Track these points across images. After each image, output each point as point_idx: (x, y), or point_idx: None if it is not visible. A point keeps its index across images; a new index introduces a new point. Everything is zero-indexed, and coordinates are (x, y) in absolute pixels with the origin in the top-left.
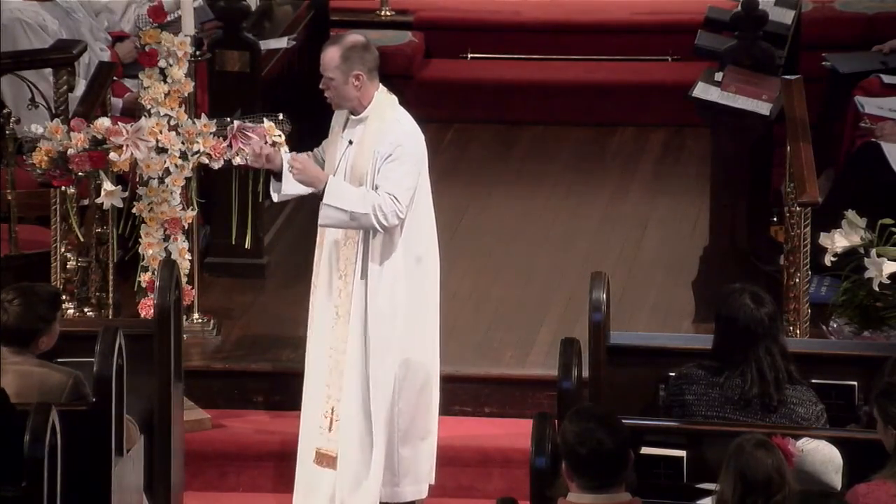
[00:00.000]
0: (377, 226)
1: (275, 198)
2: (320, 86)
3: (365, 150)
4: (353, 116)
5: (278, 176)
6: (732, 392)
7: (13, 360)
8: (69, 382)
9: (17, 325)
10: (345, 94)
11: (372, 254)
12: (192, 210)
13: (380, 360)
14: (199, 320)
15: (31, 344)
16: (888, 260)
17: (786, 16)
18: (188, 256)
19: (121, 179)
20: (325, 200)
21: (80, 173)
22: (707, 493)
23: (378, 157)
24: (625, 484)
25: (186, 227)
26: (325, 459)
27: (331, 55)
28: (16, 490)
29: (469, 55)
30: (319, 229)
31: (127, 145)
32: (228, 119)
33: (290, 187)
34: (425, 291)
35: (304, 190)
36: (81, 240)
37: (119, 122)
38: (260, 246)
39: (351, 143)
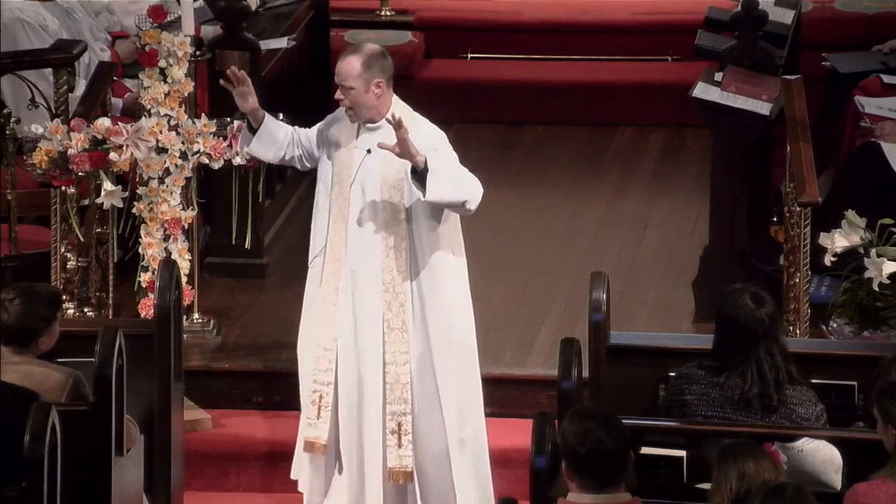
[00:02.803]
0: (475, 195)
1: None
2: (336, 96)
3: (394, 157)
4: (368, 125)
5: (251, 128)
6: (732, 392)
7: (13, 360)
8: (69, 382)
9: (17, 324)
10: (365, 102)
11: (422, 260)
12: (192, 210)
13: (453, 364)
14: (199, 320)
15: (31, 344)
16: (888, 260)
17: (786, 16)
18: (188, 256)
19: (121, 179)
20: (433, 168)
21: (80, 173)
22: (706, 493)
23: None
24: (625, 484)
25: (186, 227)
26: (401, 476)
27: (351, 64)
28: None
29: (469, 55)
30: (330, 244)
31: (127, 145)
32: (228, 119)
33: (260, 147)
34: (466, 289)
35: (269, 154)
36: (81, 240)
37: (119, 122)
38: (260, 246)
39: (369, 151)
